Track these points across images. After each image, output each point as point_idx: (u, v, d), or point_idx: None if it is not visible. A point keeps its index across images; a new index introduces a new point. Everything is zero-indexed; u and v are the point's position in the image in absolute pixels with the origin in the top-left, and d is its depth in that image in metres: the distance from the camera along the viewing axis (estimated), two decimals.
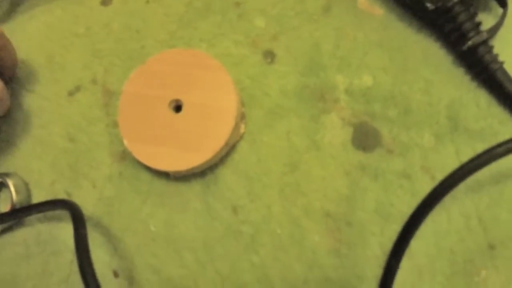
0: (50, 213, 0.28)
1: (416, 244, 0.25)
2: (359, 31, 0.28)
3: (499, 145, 0.22)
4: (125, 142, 0.27)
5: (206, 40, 0.29)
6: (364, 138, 0.27)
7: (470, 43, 0.25)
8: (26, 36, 0.32)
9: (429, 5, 0.26)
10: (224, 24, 0.29)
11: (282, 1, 0.29)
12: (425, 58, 0.28)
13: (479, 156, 0.22)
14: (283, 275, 0.25)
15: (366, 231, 0.25)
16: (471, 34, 0.25)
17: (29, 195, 0.30)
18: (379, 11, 0.29)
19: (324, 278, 0.25)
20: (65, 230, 0.28)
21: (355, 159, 0.26)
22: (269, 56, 0.28)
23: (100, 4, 0.31)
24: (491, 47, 0.26)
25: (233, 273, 0.25)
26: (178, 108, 0.27)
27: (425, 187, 0.26)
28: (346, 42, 0.28)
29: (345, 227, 0.26)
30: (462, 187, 0.25)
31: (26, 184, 0.30)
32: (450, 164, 0.26)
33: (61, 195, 0.29)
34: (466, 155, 0.26)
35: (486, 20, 0.27)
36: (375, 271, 0.24)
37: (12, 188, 0.29)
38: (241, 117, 0.27)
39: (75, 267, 0.27)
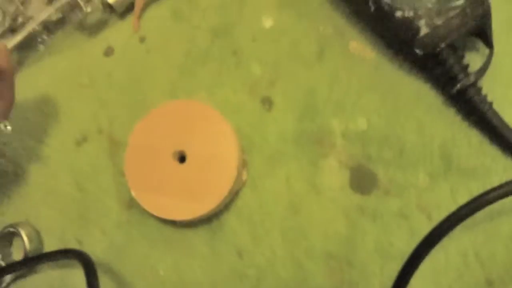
0: (62, 261, 0.30)
1: (416, 282, 0.26)
2: (352, 74, 0.30)
3: (494, 189, 0.23)
4: (133, 192, 0.28)
5: (205, 88, 0.31)
6: (361, 180, 0.28)
7: (458, 86, 0.27)
8: (33, 88, 0.33)
9: (418, 51, 0.27)
10: (222, 72, 0.31)
11: (277, 48, 0.31)
12: (417, 100, 0.29)
13: (475, 200, 0.23)
14: None
15: (367, 271, 0.27)
16: (459, 77, 0.27)
17: (41, 243, 0.32)
18: (371, 54, 0.30)
19: None
20: (77, 277, 0.30)
21: (353, 201, 0.28)
22: (267, 102, 0.30)
23: (103, 55, 0.32)
24: (480, 88, 0.27)
25: None
26: (182, 158, 0.28)
27: (423, 226, 0.27)
28: (340, 86, 0.30)
29: (346, 268, 0.27)
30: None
31: (38, 233, 0.32)
32: (446, 203, 0.27)
33: (72, 243, 0.30)
34: (461, 193, 0.27)
35: (474, 61, 0.28)
36: None
37: (24, 237, 0.31)
38: (243, 164, 0.28)
39: None
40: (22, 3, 0.33)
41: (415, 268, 0.24)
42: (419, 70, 0.29)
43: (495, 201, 0.24)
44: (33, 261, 0.30)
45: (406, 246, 0.27)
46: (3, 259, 0.31)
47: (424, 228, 0.25)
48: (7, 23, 0.33)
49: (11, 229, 0.31)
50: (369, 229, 0.27)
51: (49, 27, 0.34)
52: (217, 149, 0.27)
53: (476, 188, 0.27)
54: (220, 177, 0.27)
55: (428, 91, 0.29)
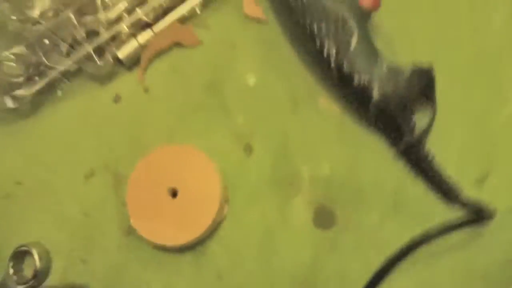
0: None
1: None
2: (320, 127, 0.36)
3: (432, 230, 0.29)
4: (131, 221, 0.34)
5: (197, 134, 0.37)
6: (323, 218, 0.34)
7: (403, 145, 0.33)
8: (48, 128, 0.39)
9: (371, 112, 0.33)
10: (212, 121, 0.37)
11: (258, 103, 0.37)
12: (374, 150, 0.35)
13: (414, 240, 0.30)
14: None
15: None
16: (405, 137, 0.33)
17: (50, 261, 0.38)
18: (337, 110, 0.36)
19: None
20: None
21: (316, 235, 0.34)
22: (248, 149, 0.36)
23: (112, 101, 0.39)
24: (423, 146, 0.33)
25: None
26: (174, 193, 0.34)
27: (375, 258, 0.32)
28: (309, 136, 0.36)
29: None
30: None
31: (47, 252, 0.37)
32: (395, 240, 0.33)
33: (77, 262, 0.36)
34: (406, 233, 0.33)
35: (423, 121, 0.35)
36: None
37: (36, 256, 0.37)
38: (225, 200, 0.34)
39: None
40: (44, 55, 0.40)
41: None
42: (374, 125, 0.35)
43: (432, 240, 0.30)
44: None
45: (360, 277, 0.32)
46: (15, 274, 0.36)
47: (376, 261, 0.31)
48: (30, 71, 0.40)
49: (24, 248, 0.36)
50: (329, 259, 0.33)
51: (66, 75, 0.40)
52: (203, 187, 0.34)
53: (420, 229, 0.32)
54: (204, 210, 0.33)
55: (383, 143, 0.35)
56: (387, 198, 0.34)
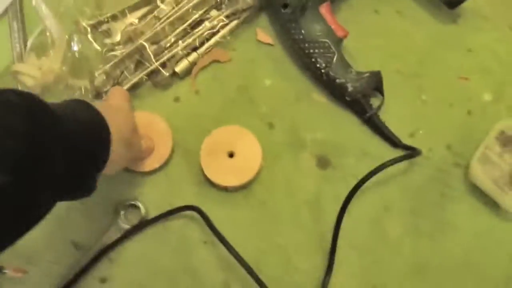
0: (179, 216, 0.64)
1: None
2: (313, 111, 0.69)
3: (385, 163, 0.63)
4: (205, 172, 0.64)
5: (237, 120, 0.67)
6: (322, 163, 0.66)
7: (366, 117, 0.66)
8: None
9: (347, 98, 0.67)
10: (244, 111, 0.68)
11: (274, 97, 0.69)
12: (349, 122, 0.68)
13: (374, 171, 0.63)
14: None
15: (324, 209, 0.65)
16: (368, 111, 0.66)
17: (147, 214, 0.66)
18: (324, 100, 0.69)
19: None
20: (190, 228, 0.64)
21: (318, 174, 0.66)
22: (270, 126, 0.68)
23: (173, 101, 0.69)
24: (378, 116, 0.67)
25: None
26: (231, 155, 0.65)
27: (352, 183, 0.64)
28: (308, 117, 0.68)
29: (314, 209, 0.65)
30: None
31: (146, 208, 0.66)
32: (364, 172, 0.65)
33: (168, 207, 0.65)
34: (371, 167, 0.65)
35: (375, 102, 0.68)
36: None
37: (142, 207, 0.65)
38: (262, 157, 0.66)
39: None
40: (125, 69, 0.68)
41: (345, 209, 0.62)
42: (349, 107, 0.68)
43: (384, 169, 0.63)
44: (168, 214, 0.63)
45: (344, 194, 0.64)
46: (126, 218, 0.65)
47: (353, 184, 0.63)
48: (112, 82, 0.69)
49: (132, 202, 0.65)
50: (326, 187, 0.65)
51: (136, 86, 0.69)
52: (249, 150, 0.64)
53: (378, 163, 0.65)
54: (251, 164, 0.63)
55: (354, 117, 0.68)
56: (358, 148, 0.66)
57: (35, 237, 0.62)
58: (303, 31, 0.66)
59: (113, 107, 0.56)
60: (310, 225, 0.63)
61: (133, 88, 0.67)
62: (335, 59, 0.65)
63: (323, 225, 0.63)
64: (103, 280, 0.62)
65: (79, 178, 0.47)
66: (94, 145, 0.48)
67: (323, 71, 0.65)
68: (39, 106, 0.40)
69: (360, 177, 0.61)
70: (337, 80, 0.65)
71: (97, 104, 0.50)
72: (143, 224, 0.63)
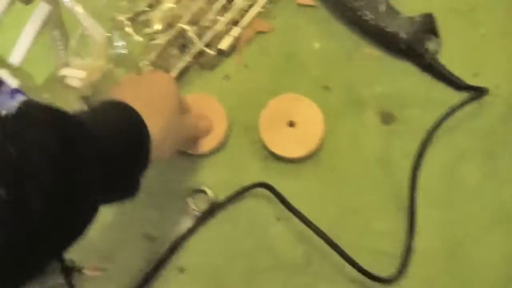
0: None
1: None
2: (367, 66, 0.66)
3: (451, 108, 0.60)
4: (268, 146, 0.63)
5: (289, 87, 0.66)
6: (386, 118, 0.64)
7: (424, 63, 0.64)
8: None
9: (402, 46, 0.64)
10: (295, 76, 0.66)
11: (324, 59, 0.67)
12: (407, 72, 0.65)
13: (441, 117, 0.60)
14: None
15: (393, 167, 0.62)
16: (425, 55, 0.64)
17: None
18: (376, 53, 0.67)
19: None
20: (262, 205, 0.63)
21: (383, 129, 0.64)
22: (326, 88, 0.66)
23: (223, 79, 0.68)
24: (437, 60, 0.64)
25: None
26: (291, 124, 0.63)
27: (420, 136, 0.62)
28: (363, 74, 0.66)
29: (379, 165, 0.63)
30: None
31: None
32: (430, 123, 0.63)
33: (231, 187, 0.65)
34: (435, 116, 0.63)
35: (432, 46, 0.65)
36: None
37: (209, 192, 0.64)
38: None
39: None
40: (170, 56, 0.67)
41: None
42: (404, 56, 0.66)
43: (451, 115, 0.61)
44: (238, 195, 0.63)
45: (413, 150, 0.61)
46: (195, 204, 0.64)
47: (420, 138, 0.61)
48: (159, 71, 0.68)
49: (199, 188, 0.64)
50: (394, 143, 0.63)
51: (186, 68, 0.68)
52: (310, 117, 0.63)
53: (443, 110, 0.63)
54: (314, 132, 0.62)
55: (411, 66, 0.66)
56: (420, 98, 0.64)
57: (109, 236, 0.63)
58: None
59: (152, 97, 0.54)
60: (383, 184, 0.61)
61: (182, 73, 0.67)
62: (381, 7, 0.63)
63: (397, 183, 0.61)
64: (181, 270, 0.62)
65: (120, 182, 0.47)
66: (131, 148, 0.47)
67: (371, 22, 0.63)
68: (66, 120, 0.41)
69: (427, 127, 0.60)
70: (388, 29, 0.63)
71: (134, 99, 0.50)
72: (214, 209, 0.63)
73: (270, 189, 0.60)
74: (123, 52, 0.67)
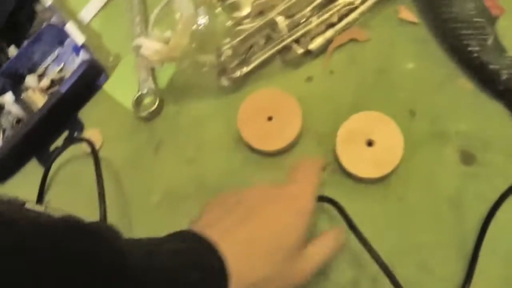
0: None
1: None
2: (459, 102, 0.63)
3: None
4: (343, 163, 0.60)
5: (374, 105, 0.63)
6: (466, 158, 0.61)
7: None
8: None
9: (500, 88, 0.61)
10: (382, 95, 0.64)
11: (415, 80, 0.64)
12: (498, 114, 0.62)
13: None
14: None
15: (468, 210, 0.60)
16: None
17: None
18: (470, 86, 0.64)
19: None
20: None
21: (462, 170, 0.61)
22: (412, 113, 0.63)
23: (304, 81, 0.65)
24: None
25: None
26: (370, 143, 0.61)
27: (502, 185, 0.59)
28: (452, 105, 0.63)
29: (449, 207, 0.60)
30: None
31: None
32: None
33: None
34: None
35: None
36: None
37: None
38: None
39: None
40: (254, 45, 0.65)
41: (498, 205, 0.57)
42: (499, 98, 0.63)
43: None
44: None
45: (492, 197, 0.59)
46: None
47: (503, 186, 0.58)
48: (239, 59, 0.65)
49: None
50: (471, 185, 0.60)
51: (264, 63, 0.66)
52: (390, 139, 0.60)
53: None
54: (392, 154, 0.59)
55: (504, 109, 0.63)
56: (508, 145, 0.61)
57: None
58: (454, 9, 0.61)
59: (264, 235, 0.42)
60: (450, 226, 0.58)
61: (262, 65, 0.64)
62: (489, 41, 0.60)
63: (464, 227, 0.58)
64: None
65: None
66: None
67: (475, 55, 0.60)
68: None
69: (510, 178, 0.57)
70: (490, 66, 0.59)
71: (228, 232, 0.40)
72: None
73: (336, 206, 0.57)
74: (205, 32, 0.64)
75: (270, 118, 0.63)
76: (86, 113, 0.75)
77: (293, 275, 0.43)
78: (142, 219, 0.66)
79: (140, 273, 0.34)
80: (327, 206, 0.58)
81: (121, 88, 0.72)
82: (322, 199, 0.58)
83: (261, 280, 0.39)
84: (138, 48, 0.63)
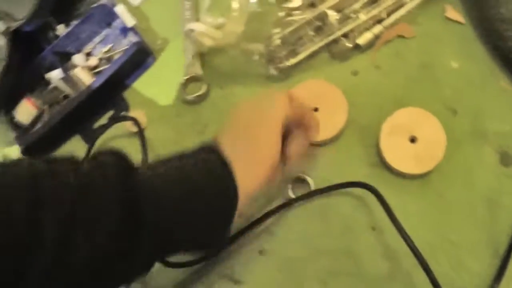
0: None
1: None
2: (501, 100, 0.65)
3: None
4: (385, 157, 0.63)
5: (418, 101, 0.65)
6: (505, 159, 0.63)
7: None
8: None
9: None
10: (426, 91, 0.66)
11: (459, 80, 0.66)
12: None
13: None
14: None
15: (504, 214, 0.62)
16: None
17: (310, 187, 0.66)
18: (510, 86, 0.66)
19: None
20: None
21: (501, 171, 0.63)
22: (453, 112, 0.65)
23: (350, 74, 0.67)
24: None
25: None
26: (413, 140, 0.63)
27: None
28: (494, 106, 0.65)
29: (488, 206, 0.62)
30: None
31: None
32: None
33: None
34: None
35: None
36: None
37: (311, 181, 0.65)
38: None
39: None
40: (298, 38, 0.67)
41: None
42: None
43: None
44: (335, 187, 0.63)
45: None
46: (293, 191, 0.65)
47: None
48: (288, 49, 0.68)
49: (300, 175, 0.65)
50: (509, 187, 0.62)
51: (316, 52, 0.68)
52: (433, 135, 0.62)
53: None
54: (434, 152, 0.61)
55: None
56: None
57: None
58: (501, 10, 0.62)
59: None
60: (486, 224, 0.61)
61: (310, 57, 0.66)
62: None
63: (500, 226, 0.60)
64: (261, 252, 0.64)
65: (201, 245, 0.49)
66: (214, 214, 0.47)
67: None
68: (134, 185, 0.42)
69: None
70: None
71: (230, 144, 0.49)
72: (309, 194, 0.63)
73: (374, 192, 0.60)
74: (256, 20, 0.66)
75: (316, 109, 0.65)
76: (132, 94, 0.77)
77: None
78: None
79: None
80: (366, 196, 0.61)
81: (167, 71, 0.75)
82: (361, 184, 0.61)
83: (258, 186, 0.49)
84: (190, 32, 0.65)
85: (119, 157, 0.43)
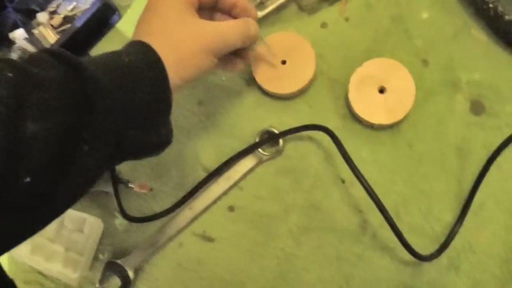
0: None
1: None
2: (472, 51, 0.65)
3: None
4: (355, 109, 0.62)
5: (389, 51, 0.65)
6: (476, 108, 0.63)
7: None
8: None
9: None
10: (397, 43, 0.65)
11: (430, 31, 0.66)
12: (510, 65, 0.65)
13: None
14: None
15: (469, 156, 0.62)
16: None
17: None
18: (484, 38, 0.66)
19: None
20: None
21: (471, 119, 0.63)
22: (425, 62, 0.65)
23: (319, 27, 0.67)
24: None
25: None
26: (382, 90, 0.63)
27: (508, 131, 0.62)
28: (465, 56, 0.65)
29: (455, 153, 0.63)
30: None
31: None
32: None
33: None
34: None
35: None
36: None
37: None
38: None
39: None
40: None
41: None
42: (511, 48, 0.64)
43: None
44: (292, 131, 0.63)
45: (496, 142, 0.62)
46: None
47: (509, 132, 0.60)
48: (254, 3, 0.67)
49: (269, 129, 0.65)
50: (478, 134, 0.62)
51: (283, 5, 0.67)
52: (402, 86, 0.62)
53: None
54: (404, 102, 0.61)
55: None
56: None
57: (163, 159, 0.67)
58: None
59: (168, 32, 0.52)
60: (456, 174, 0.61)
61: (278, 9, 0.66)
62: None
63: (468, 175, 0.61)
64: (231, 209, 0.65)
65: (148, 132, 0.48)
66: (151, 90, 0.47)
67: (490, 5, 0.61)
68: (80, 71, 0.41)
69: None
70: (506, 17, 0.61)
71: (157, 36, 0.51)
72: (271, 137, 0.64)
73: (331, 135, 0.59)
74: None
75: (284, 62, 0.64)
76: (98, 52, 0.76)
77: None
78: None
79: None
80: (333, 150, 0.60)
81: (133, 28, 0.73)
82: (317, 127, 0.61)
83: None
84: None
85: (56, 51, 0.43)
